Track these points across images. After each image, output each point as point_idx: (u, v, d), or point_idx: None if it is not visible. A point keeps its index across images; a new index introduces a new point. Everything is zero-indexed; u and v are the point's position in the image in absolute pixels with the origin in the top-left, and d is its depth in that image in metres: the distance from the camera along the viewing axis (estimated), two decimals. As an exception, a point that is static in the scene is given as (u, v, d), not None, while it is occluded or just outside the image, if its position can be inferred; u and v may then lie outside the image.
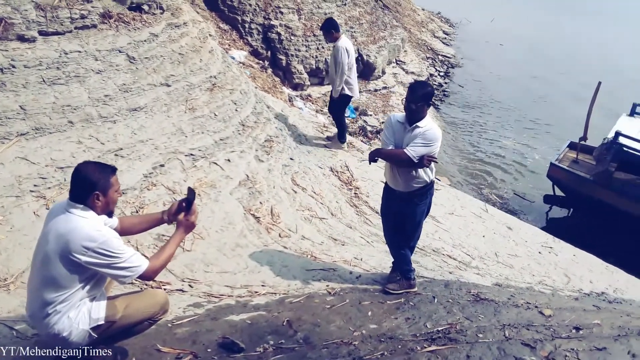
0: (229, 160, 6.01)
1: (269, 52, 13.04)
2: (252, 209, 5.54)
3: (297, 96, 12.75)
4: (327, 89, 13.92)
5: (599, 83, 9.84)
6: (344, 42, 7.24)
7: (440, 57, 20.27)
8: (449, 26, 26.81)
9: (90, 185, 2.77)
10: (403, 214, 4.45)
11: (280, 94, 11.55)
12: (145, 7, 6.40)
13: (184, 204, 3.16)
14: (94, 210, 2.81)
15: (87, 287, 2.76)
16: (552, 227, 9.55)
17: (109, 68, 5.42)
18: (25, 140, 4.53)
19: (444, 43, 22.70)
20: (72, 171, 2.83)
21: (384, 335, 3.65)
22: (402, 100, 11.21)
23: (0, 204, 4.09)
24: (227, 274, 4.48)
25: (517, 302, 4.68)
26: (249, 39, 12.77)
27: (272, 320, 3.77)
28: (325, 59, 13.63)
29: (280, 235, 5.31)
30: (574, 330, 3.77)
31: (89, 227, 2.71)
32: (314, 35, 13.66)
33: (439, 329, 3.80)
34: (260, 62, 12.52)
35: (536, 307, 4.53)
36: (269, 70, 12.49)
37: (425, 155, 4.14)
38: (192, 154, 5.76)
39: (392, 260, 4.86)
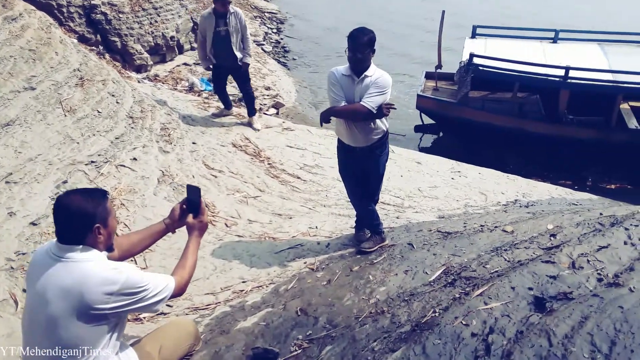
0: (135, 159, 5.27)
1: (99, 36, 11.65)
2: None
3: (144, 79, 11.67)
4: (171, 65, 12.98)
5: (443, 12, 10.49)
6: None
7: (266, 14, 19.98)
8: (262, -18, 26.49)
9: (89, 218, 2.18)
10: (366, 170, 4.29)
11: (129, 79, 10.44)
12: (-23, 0, 5.21)
13: (184, 206, 2.66)
14: (96, 248, 2.22)
15: (113, 337, 2.21)
16: (431, 151, 10.17)
17: (-36, 80, 4.34)
18: None
19: (264, 0, 22.40)
20: (55, 209, 2.19)
21: (402, 293, 3.53)
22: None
23: None
24: (199, 280, 3.96)
25: (475, 228, 4.85)
26: (71, 24, 11.23)
27: (284, 315, 3.43)
28: (163, 33, 12.61)
29: (227, 225, 4.84)
30: (553, 238, 4.00)
31: (101, 269, 2.15)
32: (143, 9, 12.50)
33: (440, 273, 3.77)
34: (94, 48, 11.15)
35: (496, 227, 4.74)
36: (107, 56, 11.20)
37: (383, 104, 3.98)
38: (92, 161, 4.94)
39: (355, 219, 4.72)
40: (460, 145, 10.83)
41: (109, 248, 2.36)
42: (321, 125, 4.24)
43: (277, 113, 11.55)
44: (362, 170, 4.30)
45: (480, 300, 2.91)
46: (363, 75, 3.99)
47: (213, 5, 6.60)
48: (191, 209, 2.66)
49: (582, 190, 8.09)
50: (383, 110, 3.99)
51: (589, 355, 2.23)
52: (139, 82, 10.96)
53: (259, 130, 7.18)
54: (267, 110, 11.62)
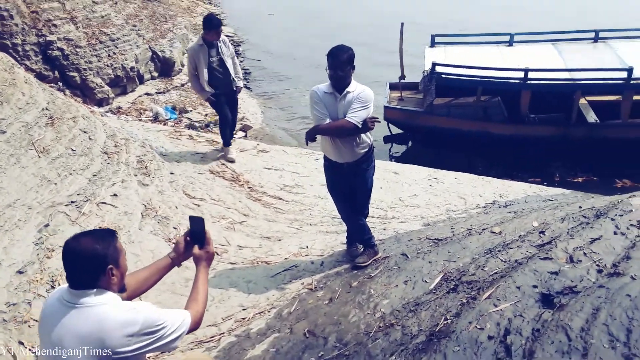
0: (115, 195, 5.15)
1: (57, 72, 11.43)
2: (171, 238, 4.86)
3: (106, 112, 11.47)
4: (133, 96, 12.81)
5: (402, 23, 10.72)
6: None
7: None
8: (214, 6, 26.49)
9: (101, 260, 2.12)
10: (354, 185, 4.32)
11: (92, 113, 10.24)
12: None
13: (188, 238, 2.61)
14: (110, 289, 2.16)
15: None
16: (403, 160, 10.30)
17: None
18: None
19: (219, 24, 22.40)
20: (64, 254, 2.13)
21: (407, 304, 3.55)
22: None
23: None
24: (199, 313, 3.88)
25: (463, 232, 4.93)
26: (28, 63, 10.99)
27: (292, 338, 3.40)
28: (122, 65, 12.45)
29: (217, 254, 4.77)
30: (543, 234, 4.10)
31: (119, 311, 2.09)
32: (100, 42, 12.34)
33: (439, 280, 3.81)
34: (53, 85, 10.90)
35: (483, 229, 4.82)
36: (67, 92, 10.97)
37: (367, 118, 4.03)
38: (72, 202, 4.80)
39: (346, 235, 4.74)
40: (429, 152, 11.01)
41: (122, 288, 2.30)
42: (307, 144, 4.26)
43: (246, 135, 11.52)
44: (350, 186, 4.33)
45: (490, 303, 2.95)
46: (345, 92, 4.04)
47: (200, 36, 6.46)
48: (196, 240, 2.62)
49: (551, 186, 8.33)
50: (368, 124, 4.04)
51: (608, 345, 2.29)
52: (102, 115, 10.77)
53: (233, 161, 7.08)
54: (235, 133, 11.56)
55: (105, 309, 2.07)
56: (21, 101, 5.58)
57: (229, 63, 6.55)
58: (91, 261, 2.10)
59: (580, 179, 9.89)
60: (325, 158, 4.35)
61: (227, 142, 7.05)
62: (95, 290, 2.10)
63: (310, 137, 4.13)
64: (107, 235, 2.22)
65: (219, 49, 6.48)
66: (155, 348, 2.15)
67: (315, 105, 4.08)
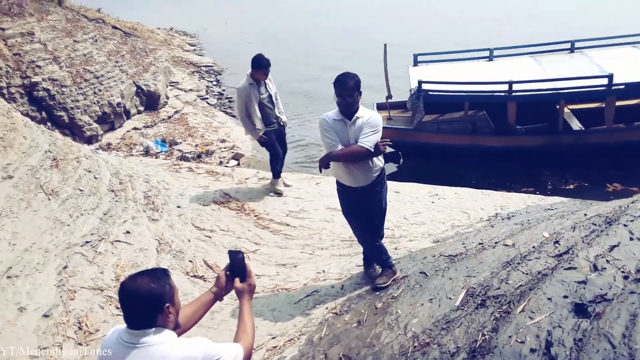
0: (128, 232, 5.16)
1: (44, 113, 11.40)
2: (189, 272, 4.87)
3: (97, 149, 11.42)
4: (121, 131, 12.79)
5: (385, 45, 10.94)
6: None
7: (203, 68, 20.11)
8: (191, 37, 26.67)
9: (158, 299, 2.17)
10: (369, 208, 4.39)
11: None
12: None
13: (228, 273, 2.65)
14: (167, 327, 2.19)
15: None
16: (398, 178, 10.43)
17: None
18: None
19: (197, 55, 22.55)
20: (121, 295, 2.16)
21: (438, 322, 3.60)
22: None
23: None
24: (229, 346, 3.89)
25: (475, 246, 5.02)
26: (14, 105, 10.90)
27: (329, 364, 3.42)
28: (109, 101, 12.45)
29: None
30: (558, 244, 4.21)
31: (179, 348, 2.14)
32: (85, 80, 12.38)
33: (464, 296, 3.88)
34: (41, 125, 10.84)
35: (496, 243, 4.92)
36: (56, 132, 10.90)
37: (378, 142, 4.13)
38: (87, 242, 4.81)
39: (362, 257, 4.80)
40: (422, 168, 11.17)
41: (176, 326, 2.33)
42: (320, 171, 4.32)
43: (238, 164, 11.56)
44: (365, 209, 4.40)
45: (525, 316, 3.02)
46: (355, 118, 4.14)
47: (248, 75, 6.49)
48: (237, 274, 2.65)
49: (544, 194, 8.52)
50: (380, 148, 4.13)
51: (653, 349, 2.37)
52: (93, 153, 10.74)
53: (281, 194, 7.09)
54: (227, 162, 11.61)
55: (166, 347, 2.11)
56: (24, 145, 5.60)
57: (277, 100, 6.70)
58: (149, 301, 2.14)
59: (571, 186, 10.12)
60: (338, 183, 4.42)
61: (276, 175, 7.15)
62: (154, 329, 2.14)
63: (324, 164, 4.19)
64: (162, 274, 2.26)
65: (267, 86, 6.59)
66: None
67: (326, 132, 4.16)
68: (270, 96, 6.64)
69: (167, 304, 2.18)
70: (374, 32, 25.20)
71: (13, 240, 4.37)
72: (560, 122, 10.53)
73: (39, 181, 5.23)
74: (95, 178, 5.79)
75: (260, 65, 6.43)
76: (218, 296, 2.69)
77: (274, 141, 6.88)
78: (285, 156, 7.18)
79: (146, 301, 2.13)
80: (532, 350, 2.71)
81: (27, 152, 5.53)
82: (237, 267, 2.64)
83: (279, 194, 7.05)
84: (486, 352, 2.82)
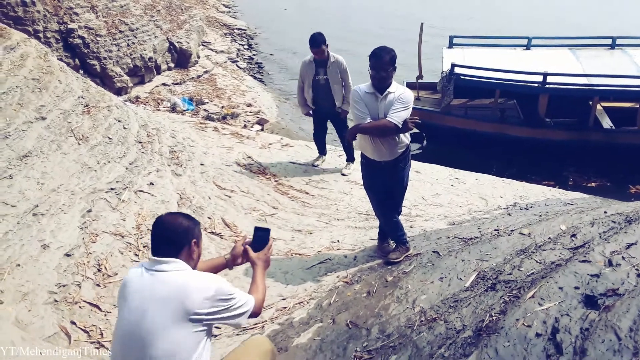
0: (152, 183, 5.27)
1: (77, 60, 11.54)
2: (207, 228, 4.98)
3: (125, 101, 11.56)
4: (150, 86, 12.91)
5: (422, 24, 10.81)
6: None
7: (236, 31, 20.07)
8: (226, -1, 26.59)
9: (189, 232, 2.36)
10: (390, 183, 4.42)
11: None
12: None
13: (248, 247, 2.71)
14: (188, 264, 2.33)
15: (206, 347, 2.27)
16: (420, 159, 10.41)
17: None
18: None
19: (231, 17, 22.49)
20: (156, 224, 2.34)
21: (446, 300, 3.66)
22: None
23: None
24: (240, 301, 4.01)
25: (491, 232, 5.04)
26: (49, 50, 11.06)
27: (336, 328, 3.52)
28: (141, 54, 12.54)
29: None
30: (575, 238, 4.21)
31: (196, 277, 2.28)
32: (120, 31, 12.45)
33: (474, 278, 3.93)
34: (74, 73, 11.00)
35: (512, 231, 4.93)
36: (88, 80, 11.06)
37: (407, 119, 4.14)
38: (112, 189, 4.93)
39: (378, 231, 4.85)
40: (444, 152, 11.12)
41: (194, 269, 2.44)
42: (349, 142, 4.36)
43: (262, 129, 11.62)
44: (386, 184, 4.43)
45: (534, 302, 3.06)
46: (386, 92, 4.14)
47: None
48: (257, 249, 2.70)
49: (564, 189, 8.44)
50: (408, 125, 4.14)
51: (658, 345, 2.40)
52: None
53: (346, 175, 7.00)
54: (251, 126, 11.68)
55: (184, 274, 2.25)
56: (58, 89, 5.70)
57: (334, 87, 6.51)
58: (181, 229, 2.32)
59: (593, 184, 10.01)
60: (362, 156, 4.45)
61: (321, 152, 7.29)
62: (174, 259, 2.28)
63: (352, 135, 4.23)
64: (192, 218, 2.41)
65: (327, 68, 6.44)
66: (225, 317, 2.29)
67: (356, 104, 4.18)
68: (327, 80, 6.48)
69: (195, 240, 2.35)
70: (414, 10, 24.80)
71: (42, 180, 4.50)
72: (591, 119, 10.36)
73: (70, 125, 5.34)
74: (124, 128, 5.90)
75: (312, 44, 6.35)
76: (229, 264, 2.79)
77: (317, 122, 6.97)
78: (343, 139, 6.96)
79: (179, 229, 2.31)
80: (538, 335, 2.75)
81: (61, 95, 5.63)
82: (261, 242, 2.71)
83: (314, 165, 7.15)
84: (492, 332, 2.88)
